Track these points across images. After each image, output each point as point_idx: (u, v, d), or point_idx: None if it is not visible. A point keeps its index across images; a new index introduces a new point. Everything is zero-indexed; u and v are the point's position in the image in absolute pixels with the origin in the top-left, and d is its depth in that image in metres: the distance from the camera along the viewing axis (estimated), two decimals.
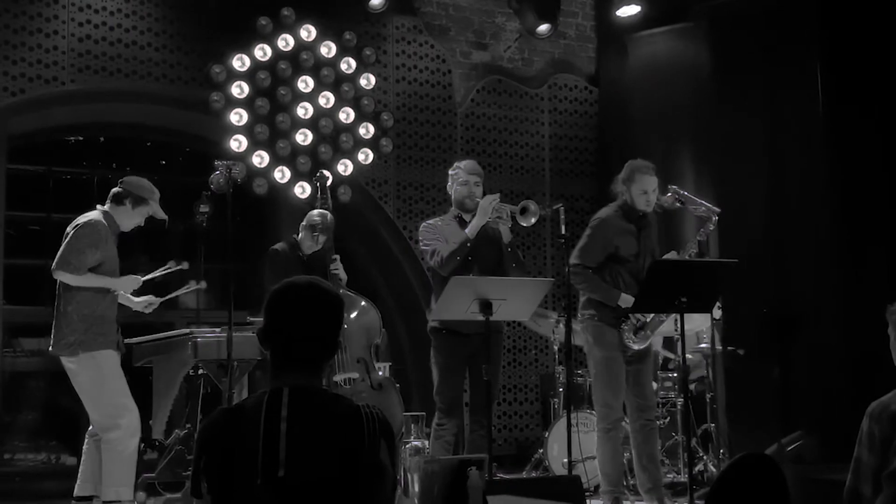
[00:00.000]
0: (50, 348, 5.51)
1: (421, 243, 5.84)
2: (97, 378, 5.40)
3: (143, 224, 5.73)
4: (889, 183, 7.63)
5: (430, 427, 5.77)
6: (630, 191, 5.85)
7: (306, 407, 2.51)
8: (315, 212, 6.63)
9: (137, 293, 5.77)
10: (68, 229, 5.50)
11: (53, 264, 5.42)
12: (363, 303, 6.48)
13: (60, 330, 5.41)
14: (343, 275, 6.51)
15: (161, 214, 5.75)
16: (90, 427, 5.60)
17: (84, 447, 5.61)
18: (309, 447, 2.46)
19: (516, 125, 9.03)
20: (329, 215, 6.59)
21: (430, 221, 5.98)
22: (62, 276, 5.44)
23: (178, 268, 5.83)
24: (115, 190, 5.65)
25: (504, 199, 5.81)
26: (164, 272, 5.98)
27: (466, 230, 5.67)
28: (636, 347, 5.74)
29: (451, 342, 5.70)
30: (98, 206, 5.64)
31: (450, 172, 5.95)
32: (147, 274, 5.88)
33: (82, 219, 5.52)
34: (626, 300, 5.66)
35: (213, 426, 2.53)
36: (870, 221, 7.68)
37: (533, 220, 5.67)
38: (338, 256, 6.50)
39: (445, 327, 5.68)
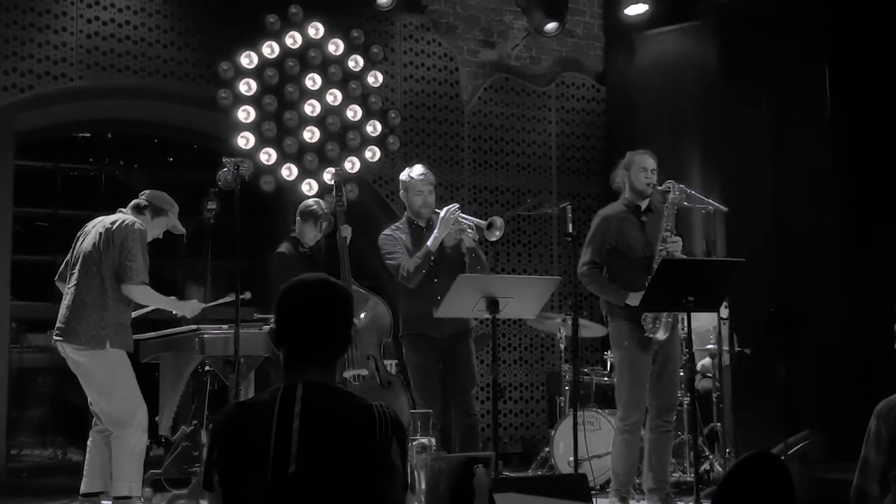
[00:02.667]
0: (61, 337, 5.45)
1: (385, 256, 5.92)
2: (110, 374, 5.42)
3: (161, 237, 5.80)
4: None
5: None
6: (630, 173, 5.88)
7: (319, 403, 2.51)
8: (310, 201, 6.66)
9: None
10: (111, 232, 5.47)
11: (122, 278, 5.41)
12: (373, 300, 6.49)
13: (87, 321, 5.39)
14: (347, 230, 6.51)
15: (179, 228, 5.85)
16: (94, 422, 5.61)
17: (89, 443, 5.62)
18: (320, 444, 2.46)
19: (523, 123, 9.03)
20: (322, 201, 6.62)
21: (388, 231, 6.07)
22: (135, 292, 5.46)
23: (242, 297, 5.83)
24: (135, 201, 5.74)
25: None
26: (223, 302, 6.04)
27: (428, 242, 5.77)
28: (659, 337, 5.72)
29: (421, 343, 5.85)
30: (121, 210, 5.67)
31: (401, 179, 6.01)
32: (208, 303, 6.05)
33: (122, 220, 5.53)
34: (635, 299, 5.65)
35: (227, 420, 2.54)
36: (876, 219, 7.68)
37: (498, 234, 5.72)
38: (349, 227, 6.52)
39: (417, 331, 5.84)
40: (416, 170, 5.99)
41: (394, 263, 5.85)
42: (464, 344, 5.86)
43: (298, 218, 6.58)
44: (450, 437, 5.98)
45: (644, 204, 5.91)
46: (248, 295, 5.92)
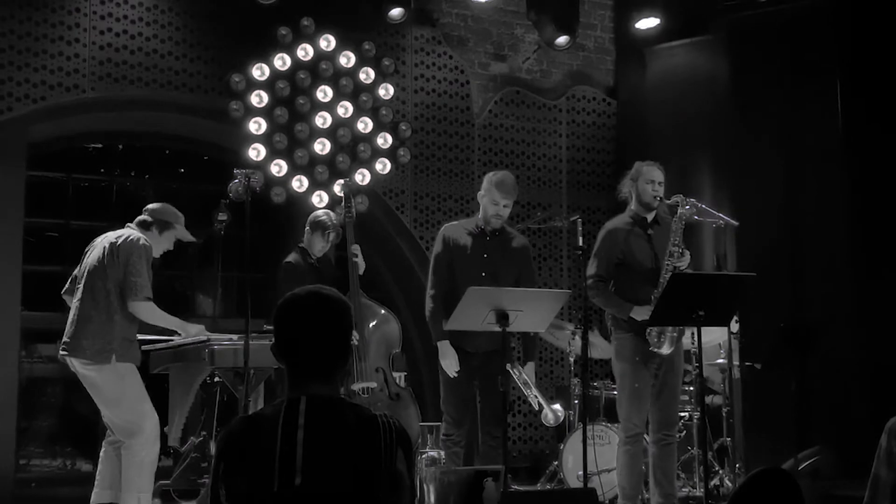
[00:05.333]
0: (67, 352, 5.46)
1: (430, 270, 5.96)
2: (118, 385, 5.42)
3: (172, 248, 5.80)
4: None
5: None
6: (637, 185, 5.87)
7: (323, 415, 2.53)
8: (319, 212, 6.65)
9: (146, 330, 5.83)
10: (116, 247, 5.47)
11: (127, 294, 5.41)
12: (382, 312, 6.48)
13: (92, 336, 5.39)
14: (362, 262, 6.51)
15: (188, 237, 5.85)
16: (107, 434, 5.62)
17: (101, 454, 5.62)
18: (326, 455, 2.47)
19: (534, 137, 9.03)
20: (332, 212, 6.62)
21: (449, 226, 6.05)
22: (140, 308, 5.46)
23: (254, 333, 5.82)
24: (139, 217, 5.73)
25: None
26: (228, 337, 6.05)
27: (446, 364, 5.75)
28: (664, 352, 5.70)
29: (457, 357, 5.77)
30: (129, 225, 5.68)
31: (484, 182, 5.93)
32: (214, 332, 6.04)
33: (127, 236, 5.53)
34: (639, 312, 5.65)
35: (232, 434, 2.55)
36: (887, 235, 7.67)
37: (551, 420, 5.85)
38: (358, 245, 6.51)
39: (452, 344, 5.76)
40: (500, 176, 5.86)
41: (429, 291, 5.89)
42: (500, 362, 5.68)
43: (307, 228, 6.58)
44: (473, 453, 5.94)
45: (650, 216, 5.91)
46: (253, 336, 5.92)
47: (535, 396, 5.73)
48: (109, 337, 5.40)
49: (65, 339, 5.50)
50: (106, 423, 5.60)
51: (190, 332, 5.79)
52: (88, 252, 5.65)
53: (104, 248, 5.51)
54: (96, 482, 5.58)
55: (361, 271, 6.49)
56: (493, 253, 5.87)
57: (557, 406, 5.88)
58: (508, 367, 5.54)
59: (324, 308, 2.63)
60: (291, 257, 6.52)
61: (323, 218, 6.54)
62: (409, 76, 8.55)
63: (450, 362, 5.74)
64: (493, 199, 5.83)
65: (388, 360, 6.45)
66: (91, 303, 5.45)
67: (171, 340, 6.05)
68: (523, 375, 5.65)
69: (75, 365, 5.47)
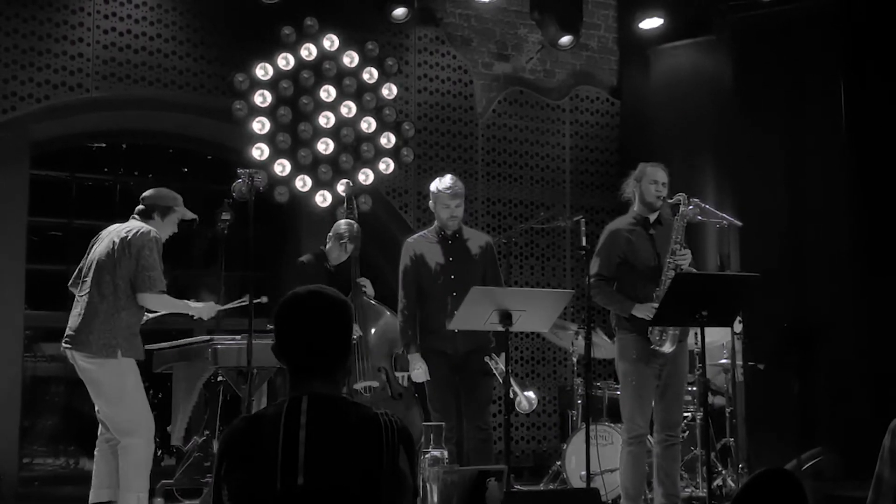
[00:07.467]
0: (70, 345, 5.45)
1: (400, 283, 5.99)
2: (119, 383, 5.41)
3: (177, 230, 5.80)
4: None
5: None
6: (641, 185, 5.89)
7: (325, 414, 2.53)
8: (342, 221, 6.71)
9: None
10: (126, 241, 5.46)
11: (141, 287, 5.41)
12: (385, 312, 6.50)
13: (98, 330, 5.38)
14: (370, 290, 6.58)
15: (189, 215, 5.86)
16: (101, 430, 5.61)
17: (96, 452, 5.61)
18: (328, 454, 2.47)
19: (537, 136, 9.03)
20: (355, 225, 6.66)
21: (411, 240, 6.13)
22: (152, 300, 5.48)
23: (258, 301, 5.83)
24: (139, 208, 5.71)
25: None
26: (239, 304, 6.06)
27: (417, 373, 5.89)
28: (665, 350, 5.70)
29: (436, 357, 5.89)
30: (134, 217, 5.67)
31: (430, 190, 6.05)
32: (224, 304, 6.09)
33: (137, 229, 5.52)
34: (641, 310, 5.65)
35: (234, 434, 2.55)
36: (891, 235, 7.66)
37: (525, 407, 5.88)
38: (368, 281, 6.59)
39: (432, 346, 5.89)
40: (445, 182, 6.00)
41: (400, 298, 5.99)
42: (479, 359, 5.84)
43: (330, 234, 6.67)
44: (463, 449, 5.99)
45: (653, 216, 5.92)
46: (264, 299, 5.92)
47: (511, 385, 5.78)
48: (115, 331, 5.39)
49: (68, 331, 5.48)
50: (101, 419, 5.58)
51: (203, 312, 5.83)
52: (95, 245, 5.64)
53: (113, 241, 5.49)
54: (93, 481, 5.57)
55: (371, 298, 6.59)
56: (457, 255, 5.98)
57: (530, 393, 5.89)
58: (487, 359, 5.64)
59: (324, 307, 2.63)
60: (305, 257, 6.59)
61: (343, 229, 6.62)
62: (412, 76, 8.55)
63: (419, 373, 5.89)
64: (443, 204, 5.96)
65: (391, 360, 6.47)
66: (98, 297, 5.44)
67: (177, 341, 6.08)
68: (500, 366, 5.69)
69: (77, 359, 5.45)
